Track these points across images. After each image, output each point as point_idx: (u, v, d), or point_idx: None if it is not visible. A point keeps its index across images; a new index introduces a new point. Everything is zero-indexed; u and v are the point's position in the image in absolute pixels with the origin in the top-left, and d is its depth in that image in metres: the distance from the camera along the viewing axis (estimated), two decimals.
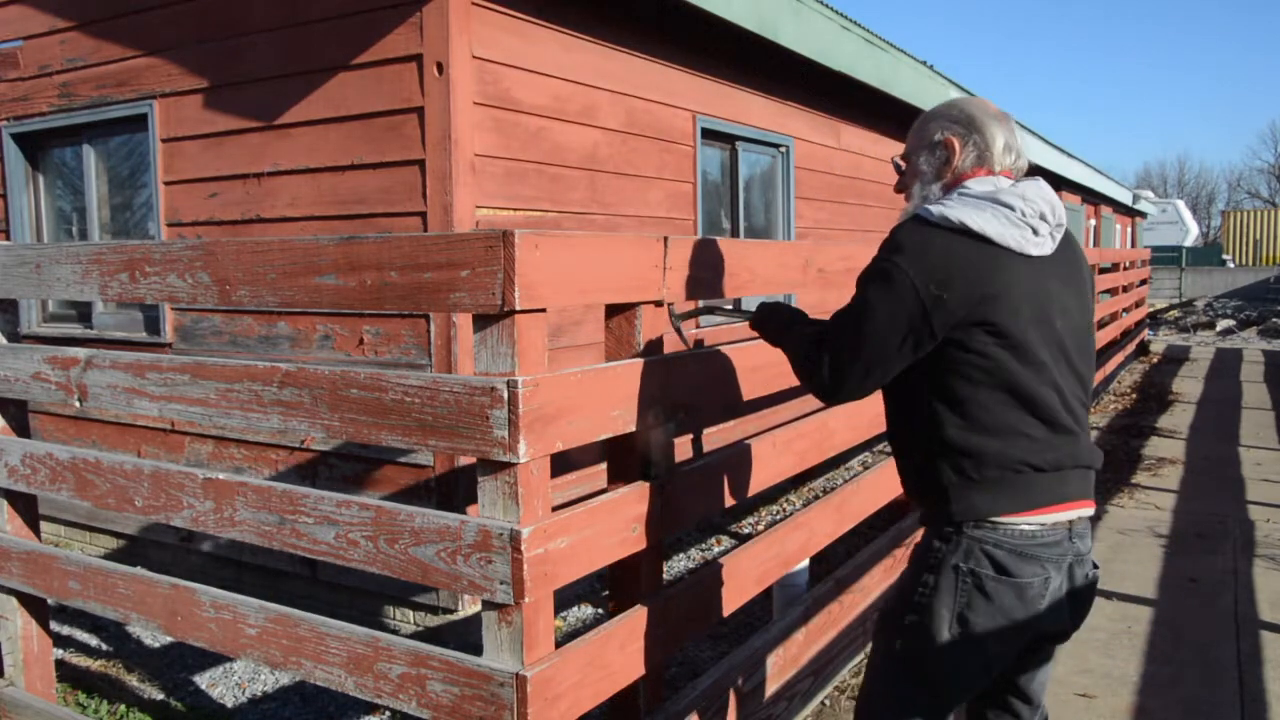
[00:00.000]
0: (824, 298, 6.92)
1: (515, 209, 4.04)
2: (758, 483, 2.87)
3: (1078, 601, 1.92)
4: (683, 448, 2.58)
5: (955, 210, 1.82)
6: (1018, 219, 1.82)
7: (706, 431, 5.36)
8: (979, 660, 1.86)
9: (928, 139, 1.97)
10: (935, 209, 1.84)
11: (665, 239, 2.34)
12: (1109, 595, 4.22)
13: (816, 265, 3.30)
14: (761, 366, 2.85)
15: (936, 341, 1.80)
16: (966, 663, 1.86)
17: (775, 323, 2.20)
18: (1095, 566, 1.96)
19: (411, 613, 4.03)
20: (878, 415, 3.81)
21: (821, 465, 6.59)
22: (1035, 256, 1.83)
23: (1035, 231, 1.83)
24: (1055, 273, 1.87)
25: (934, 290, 1.77)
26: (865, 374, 1.86)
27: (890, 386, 1.95)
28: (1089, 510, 1.91)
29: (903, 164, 2.05)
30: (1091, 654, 3.66)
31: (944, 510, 1.86)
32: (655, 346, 2.34)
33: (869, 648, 2.39)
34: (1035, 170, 13.08)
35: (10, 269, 2.77)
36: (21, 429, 2.93)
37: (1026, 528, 1.82)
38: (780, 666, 3.05)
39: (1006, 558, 1.81)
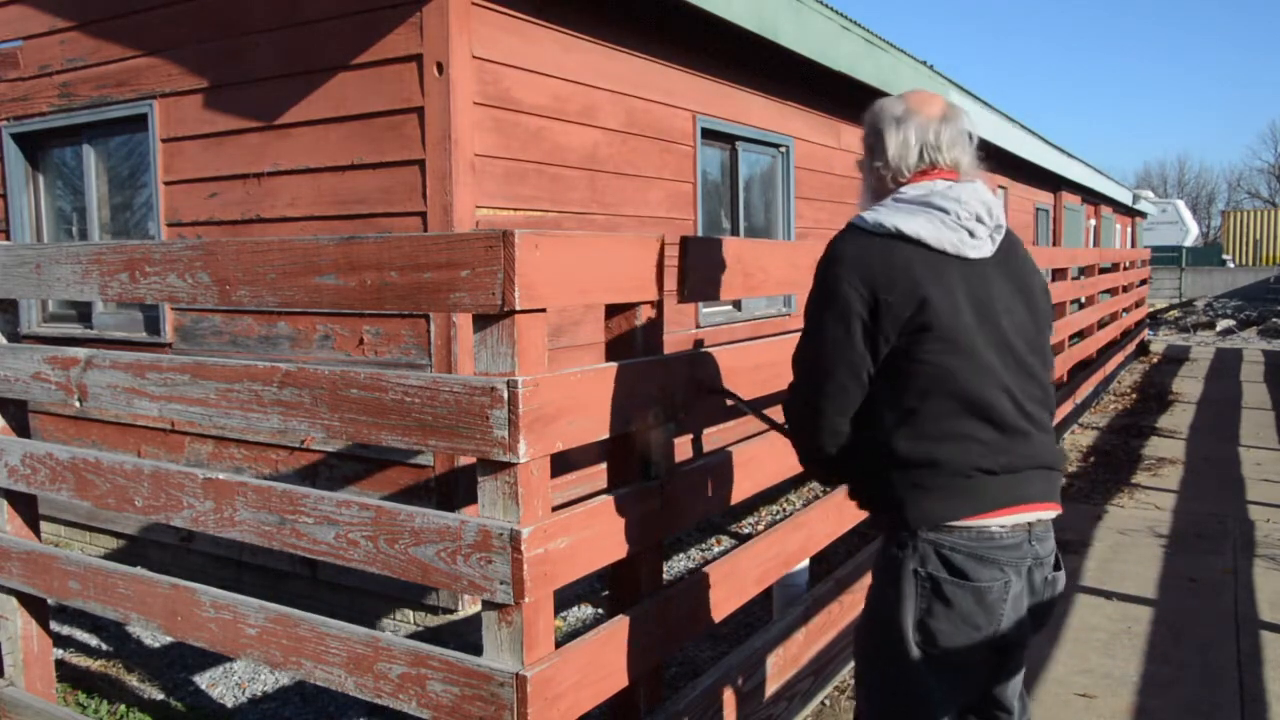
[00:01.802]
0: None
1: (515, 209, 4.04)
2: (758, 483, 2.87)
3: (1038, 606, 1.88)
4: (683, 448, 2.58)
5: (888, 216, 1.81)
6: (953, 222, 1.80)
7: (706, 431, 5.35)
8: (949, 670, 1.82)
9: (865, 143, 1.97)
10: (869, 216, 1.84)
11: (683, 239, 2.35)
12: (1109, 595, 4.22)
13: None
14: (761, 366, 2.85)
15: (890, 346, 1.78)
16: (939, 674, 1.82)
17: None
18: (1058, 568, 1.92)
19: (411, 613, 4.03)
20: None
21: None
22: (974, 259, 1.82)
23: (972, 234, 1.82)
24: (997, 273, 1.85)
25: (880, 295, 1.76)
26: (843, 391, 1.83)
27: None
28: (1051, 513, 1.87)
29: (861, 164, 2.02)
30: (1091, 654, 3.66)
31: (900, 518, 1.83)
32: (655, 346, 2.34)
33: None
34: (1035, 169, 12.95)
35: (10, 269, 2.77)
36: (21, 429, 2.93)
37: (984, 530, 1.79)
38: (780, 666, 3.05)
39: (964, 561, 1.78)
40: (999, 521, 1.79)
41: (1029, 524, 1.82)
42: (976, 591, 1.78)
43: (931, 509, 1.80)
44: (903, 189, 1.86)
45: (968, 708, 1.98)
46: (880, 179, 1.91)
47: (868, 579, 3.73)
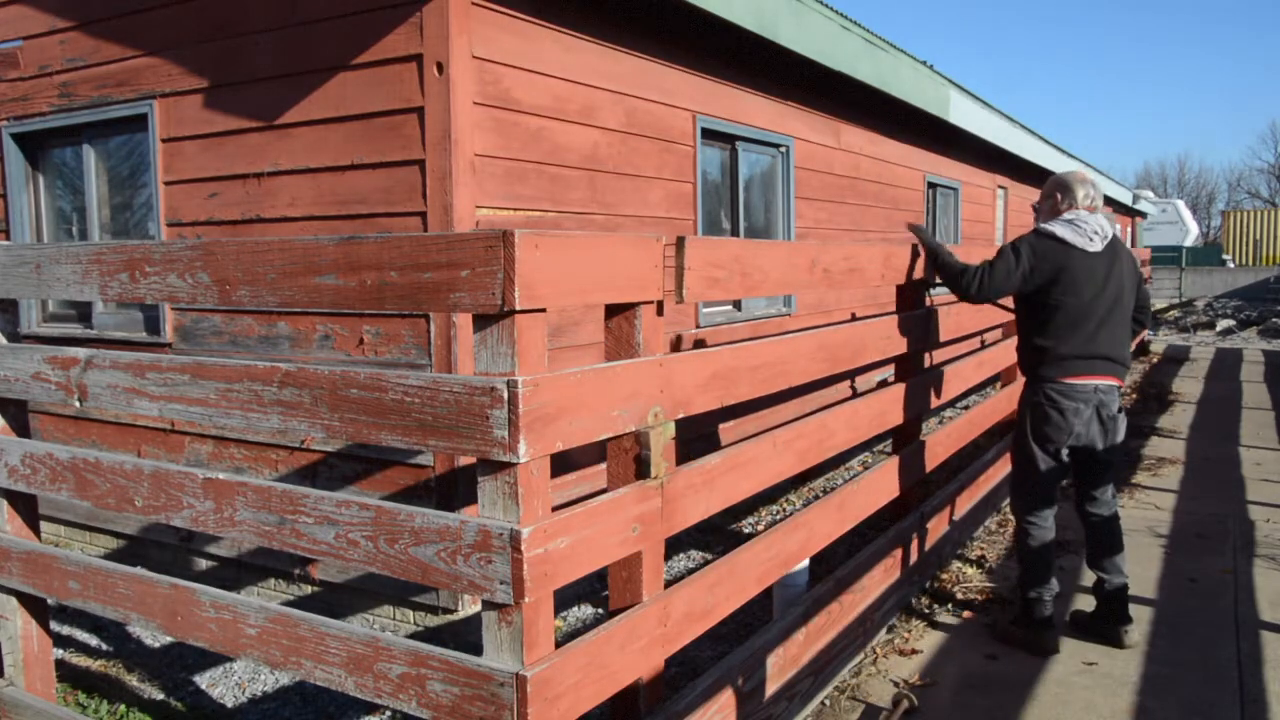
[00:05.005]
0: (824, 296, 6.93)
1: (515, 209, 4.04)
2: (758, 483, 2.87)
3: (1103, 426, 3.68)
4: (683, 447, 2.58)
5: (1055, 227, 3.66)
6: (1080, 233, 3.62)
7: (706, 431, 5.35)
8: (1046, 450, 3.73)
9: (1047, 193, 3.81)
10: (1046, 225, 3.69)
11: (680, 238, 2.34)
12: None
13: (822, 265, 3.32)
14: (761, 366, 2.85)
15: (1027, 289, 3.66)
16: (1042, 449, 3.74)
17: (928, 241, 4.08)
18: (1120, 411, 3.72)
19: (411, 613, 4.03)
20: (875, 416, 3.83)
21: (821, 465, 6.59)
22: (1091, 252, 3.61)
23: (1090, 240, 3.61)
24: (1103, 261, 3.63)
25: (1034, 262, 3.64)
26: (993, 291, 3.71)
27: (1018, 316, 3.86)
28: (1108, 382, 3.65)
29: (1035, 206, 3.88)
30: (1092, 654, 3.66)
31: (1032, 374, 3.75)
32: (655, 346, 2.34)
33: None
34: (1036, 169, 12.99)
35: (10, 269, 2.77)
36: (21, 429, 2.93)
37: (1069, 382, 3.63)
38: (780, 666, 3.05)
39: (1057, 397, 3.65)
40: (1076, 381, 3.63)
41: (1094, 386, 3.63)
42: (1061, 410, 3.64)
43: (1045, 371, 3.68)
44: (1065, 214, 3.69)
45: (1079, 488, 3.89)
46: (1057, 211, 3.73)
47: (868, 579, 3.76)
